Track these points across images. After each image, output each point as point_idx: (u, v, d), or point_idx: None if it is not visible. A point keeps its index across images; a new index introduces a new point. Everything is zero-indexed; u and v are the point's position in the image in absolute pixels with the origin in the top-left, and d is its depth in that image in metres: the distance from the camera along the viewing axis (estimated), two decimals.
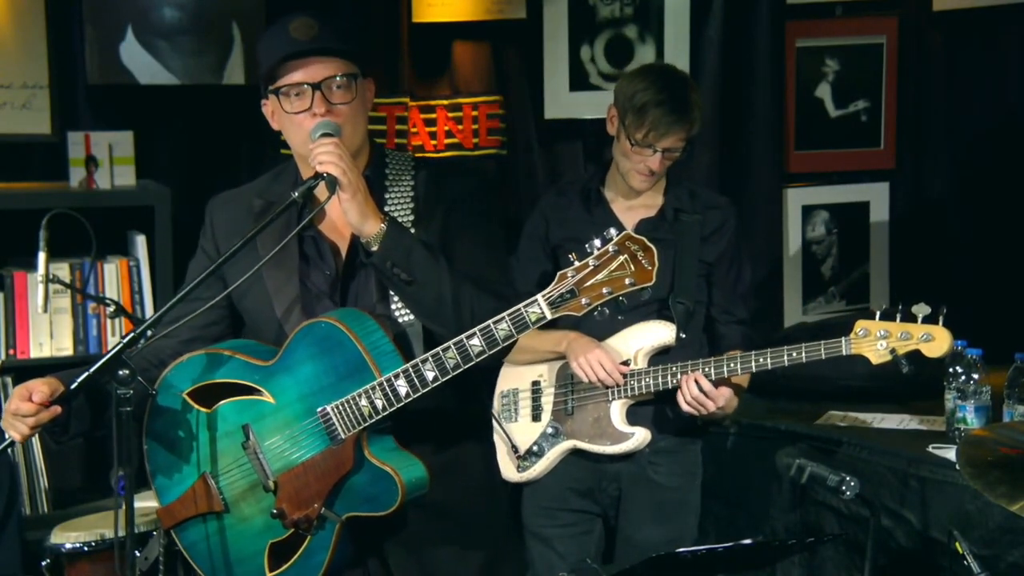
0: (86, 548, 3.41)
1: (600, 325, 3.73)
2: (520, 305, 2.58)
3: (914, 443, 3.86)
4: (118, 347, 2.61)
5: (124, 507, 2.61)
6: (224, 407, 2.79)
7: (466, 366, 2.62)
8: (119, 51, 4.41)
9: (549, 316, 2.57)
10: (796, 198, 5.23)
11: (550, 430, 3.80)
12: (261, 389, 2.76)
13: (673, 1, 4.97)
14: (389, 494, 2.67)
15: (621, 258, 2.54)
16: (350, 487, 2.71)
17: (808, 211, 5.25)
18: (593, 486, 3.84)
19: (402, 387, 2.64)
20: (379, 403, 2.65)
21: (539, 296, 2.57)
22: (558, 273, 2.57)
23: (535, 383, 3.85)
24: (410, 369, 2.64)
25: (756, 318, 5.07)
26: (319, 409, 2.70)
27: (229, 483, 2.80)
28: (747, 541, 3.22)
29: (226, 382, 2.79)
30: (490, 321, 2.59)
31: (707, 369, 3.65)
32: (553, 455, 3.80)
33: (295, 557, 2.75)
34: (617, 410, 3.75)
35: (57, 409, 2.71)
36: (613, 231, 2.56)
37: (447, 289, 2.67)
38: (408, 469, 2.69)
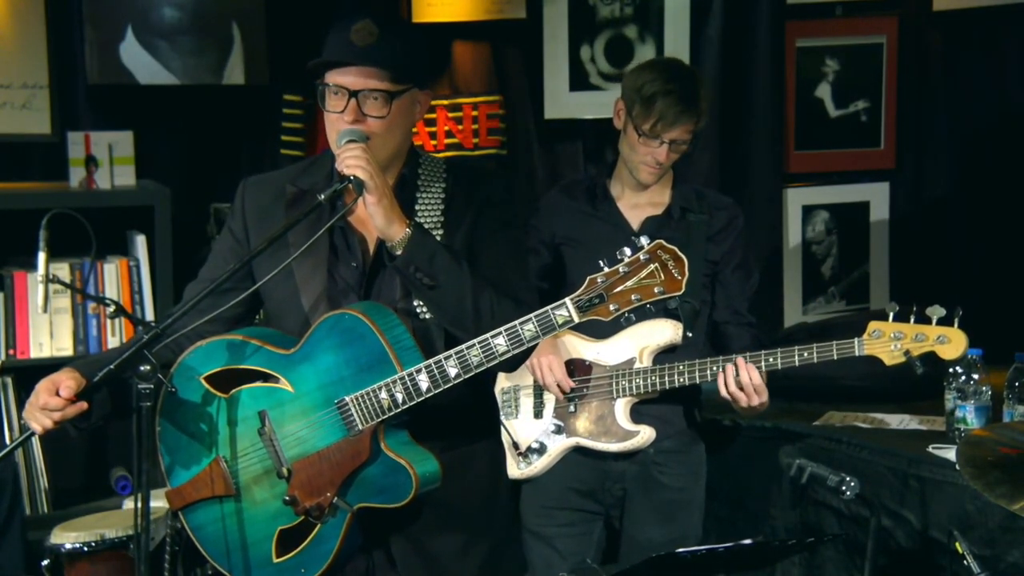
0: (86, 548, 3.41)
1: (606, 323, 3.72)
2: (548, 307, 2.61)
3: (914, 443, 3.86)
4: (141, 342, 2.63)
5: (140, 502, 2.62)
6: (242, 393, 2.81)
7: (489, 364, 2.65)
8: (119, 51, 4.42)
9: (576, 319, 2.60)
10: (796, 198, 5.23)
11: (552, 427, 3.80)
12: (280, 377, 2.78)
13: (673, 1, 4.97)
14: (403, 487, 2.70)
15: (651, 266, 2.57)
16: (364, 478, 2.73)
17: (808, 211, 5.25)
18: (596, 486, 3.83)
19: (423, 382, 2.66)
20: (399, 396, 2.67)
21: (567, 299, 2.60)
22: (588, 278, 2.59)
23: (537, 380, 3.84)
24: (432, 365, 2.66)
25: (756, 317, 5.09)
26: (338, 399, 2.72)
27: (242, 468, 2.82)
28: (747, 541, 3.22)
29: (245, 368, 2.81)
30: (516, 321, 2.62)
31: (715, 368, 3.65)
32: (555, 452, 3.80)
33: (304, 544, 2.77)
34: (621, 408, 3.75)
35: (84, 405, 2.72)
36: (644, 239, 2.58)
37: (468, 295, 2.71)
38: (422, 463, 2.72)
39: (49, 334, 4.15)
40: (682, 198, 3.82)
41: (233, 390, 2.81)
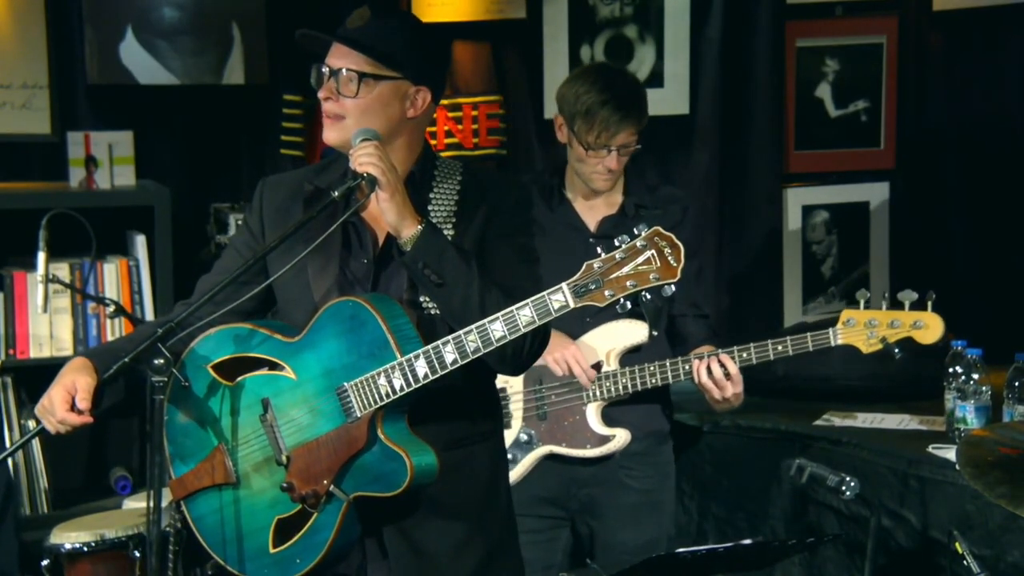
0: (86, 548, 3.41)
1: (568, 327, 3.68)
2: (544, 292, 2.61)
3: (914, 443, 3.86)
4: (156, 336, 2.65)
5: (152, 498, 2.64)
6: (246, 381, 2.82)
7: (486, 350, 2.66)
8: (119, 51, 4.42)
9: (572, 304, 2.60)
10: (796, 198, 5.23)
11: (523, 437, 3.74)
12: (284, 364, 2.79)
13: (673, 1, 4.97)
14: (398, 475, 2.70)
15: (648, 253, 2.57)
16: (360, 466, 2.73)
17: (808, 211, 5.25)
18: (562, 492, 3.78)
19: (421, 368, 2.67)
20: (397, 383, 2.68)
21: (564, 284, 2.60)
22: (584, 263, 2.59)
23: (501, 390, 3.74)
24: (431, 350, 2.67)
25: (756, 317, 5.11)
26: (338, 386, 2.73)
27: (243, 456, 2.83)
28: (747, 541, 3.22)
29: (250, 356, 2.82)
30: (513, 307, 2.63)
31: (687, 367, 3.63)
32: (528, 462, 3.74)
33: (300, 534, 2.77)
34: (593, 412, 3.71)
35: (90, 419, 2.75)
36: (643, 226, 2.57)
37: (475, 294, 2.71)
38: (419, 454, 2.72)
39: (49, 334, 4.15)
40: (635, 195, 3.78)
41: (238, 378, 2.83)
